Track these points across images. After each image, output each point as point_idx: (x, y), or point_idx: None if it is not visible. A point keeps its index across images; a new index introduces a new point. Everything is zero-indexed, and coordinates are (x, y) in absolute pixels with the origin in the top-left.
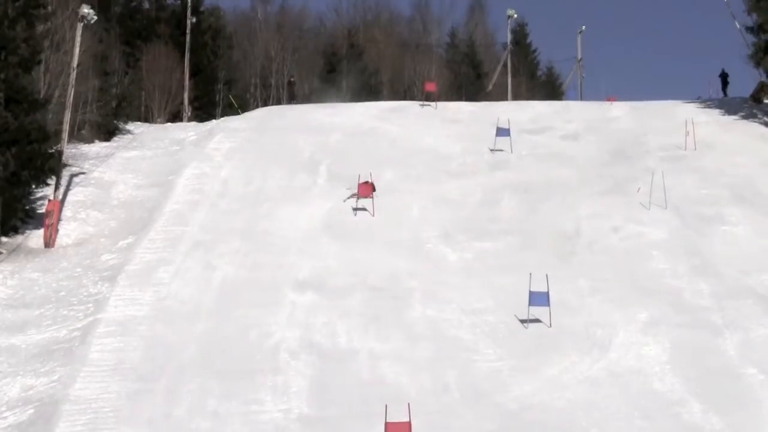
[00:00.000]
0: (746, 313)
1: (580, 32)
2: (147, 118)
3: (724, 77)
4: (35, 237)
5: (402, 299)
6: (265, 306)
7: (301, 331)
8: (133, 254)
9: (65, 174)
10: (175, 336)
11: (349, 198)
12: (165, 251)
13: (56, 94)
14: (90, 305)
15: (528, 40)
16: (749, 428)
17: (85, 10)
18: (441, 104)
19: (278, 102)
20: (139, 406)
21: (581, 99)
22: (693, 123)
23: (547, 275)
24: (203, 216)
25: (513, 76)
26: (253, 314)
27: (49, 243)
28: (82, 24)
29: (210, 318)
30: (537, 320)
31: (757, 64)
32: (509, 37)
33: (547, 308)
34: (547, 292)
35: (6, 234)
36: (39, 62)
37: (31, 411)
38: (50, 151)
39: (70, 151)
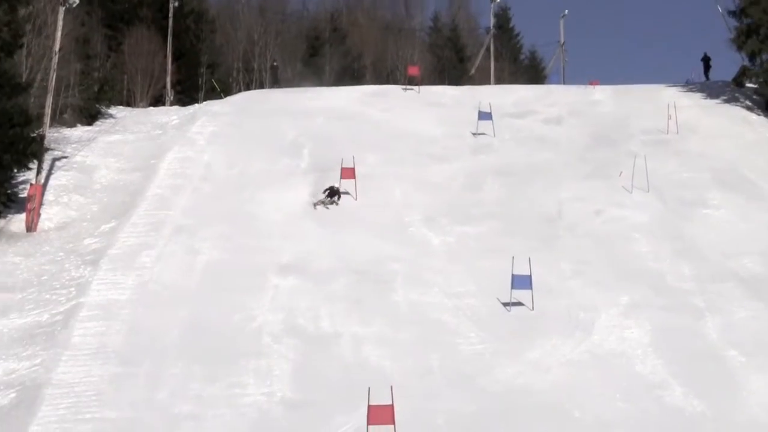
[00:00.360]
0: (728, 296)
1: (563, 16)
2: (129, 102)
3: (706, 61)
4: (17, 221)
5: (385, 283)
6: (248, 290)
7: (284, 314)
8: (115, 238)
9: (47, 158)
10: (158, 320)
11: (318, 202)
12: (147, 235)
13: (38, 78)
14: (72, 289)
15: (511, 25)
16: (730, 410)
17: None
18: (424, 88)
19: (261, 86)
20: (122, 390)
21: (564, 83)
22: (675, 107)
23: (529, 258)
24: (186, 200)
25: (496, 61)
26: (236, 298)
27: (31, 227)
28: (64, 8)
29: (193, 302)
30: (519, 303)
31: (739, 48)
32: (492, 21)
33: (530, 291)
34: (530, 275)
35: None
36: (21, 46)
37: (14, 395)
38: (32, 135)
39: (52, 135)
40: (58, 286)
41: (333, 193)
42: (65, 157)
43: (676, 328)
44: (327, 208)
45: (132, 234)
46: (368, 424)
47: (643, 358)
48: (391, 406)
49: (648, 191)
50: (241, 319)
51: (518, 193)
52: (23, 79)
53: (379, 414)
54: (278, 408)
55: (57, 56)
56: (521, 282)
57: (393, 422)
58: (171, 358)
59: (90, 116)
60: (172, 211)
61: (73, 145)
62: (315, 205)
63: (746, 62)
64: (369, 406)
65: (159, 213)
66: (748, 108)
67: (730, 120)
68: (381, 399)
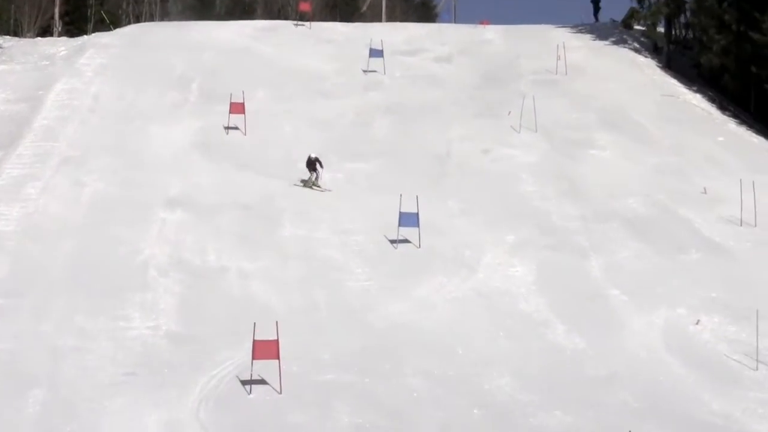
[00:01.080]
0: (612, 236)
1: None
2: (16, 32)
3: (596, 2)
4: None
5: (273, 219)
6: (134, 223)
7: (171, 248)
8: (0, 169)
9: None
10: (43, 252)
11: (308, 183)
12: (33, 167)
13: None
14: None
15: None
16: (611, 348)
17: None
18: (315, 24)
19: (151, 19)
20: (6, 322)
21: (455, 22)
22: (565, 47)
23: (417, 196)
24: (73, 132)
25: None
26: (123, 231)
27: None
28: None
29: (78, 235)
30: (406, 241)
31: None
32: None
33: (417, 229)
34: (417, 213)
35: None
36: None
37: None
38: None
39: None
40: None
41: (311, 163)
42: None
43: (560, 267)
44: (318, 186)
45: (18, 165)
46: (253, 358)
47: (527, 297)
48: (277, 342)
49: (536, 131)
50: (127, 253)
51: (408, 131)
52: None
53: (265, 349)
54: (163, 342)
55: None
56: (408, 220)
57: (278, 357)
58: (56, 290)
59: None
60: (58, 142)
61: None
62: (306, 184)
63: (635, 4)
64: (254, 341)
65: (45, 144)
66: (636, 50)
67: (618, 62)
68: (266, 334)
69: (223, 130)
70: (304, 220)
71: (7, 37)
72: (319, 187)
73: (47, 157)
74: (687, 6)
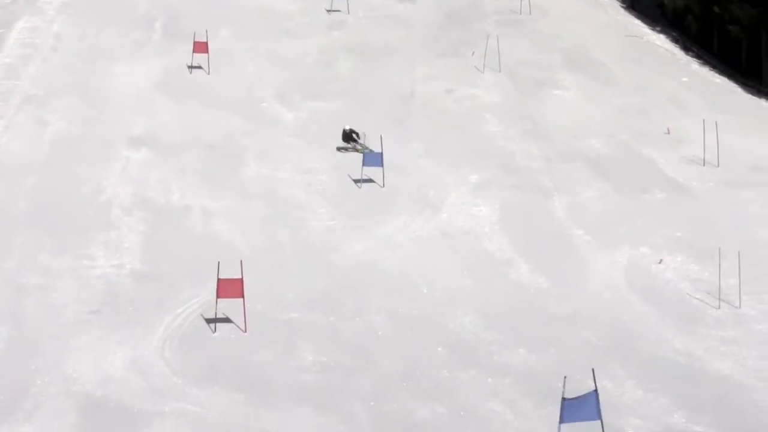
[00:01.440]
0: (575, 176)
1: None
2: None
3: None
4: None
5: (236, 158)
6: (98, 162)
7: (134, 187)
8: None
9: None
10: (6, 190)
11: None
12: None
13: None
14: None
15: None
16: (573, 287)
17: None
18: None
19: None
20: None
21: None
22: None
23: (381, 136)
24: (35, 70)
25: None
26: (86, 170)
27: None
28: None
29: (42, 173)
30: (370, 180)
31: None
32: None
33: (381, 169)
34: (381, 152)
35: None
36: None
37: None
38: None
39: None
40: None
41: (348, 137)
42: None
43: (524, 206)
44: (357, 149)
45: None
46: (217, 297)
47: (491, 236)
48: (241, 280)
49: (500, 71)
50: (90, 191)
51: (372, 71)
52: None
53: (229, 288)
54: (127, 280)
55: None
56: (372, 159)
57: (242, 296)
58: (19, 228)
59: None
60: (21, 81)
61: None
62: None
63: None
64: (218, 280)
65: (7, 83)
66: None
67: (582, 2)
68: (230, 273)
69: (187, 69)
70: (268, 160)
71: None
72: (368, 148)
73: (9, 96)
74: None
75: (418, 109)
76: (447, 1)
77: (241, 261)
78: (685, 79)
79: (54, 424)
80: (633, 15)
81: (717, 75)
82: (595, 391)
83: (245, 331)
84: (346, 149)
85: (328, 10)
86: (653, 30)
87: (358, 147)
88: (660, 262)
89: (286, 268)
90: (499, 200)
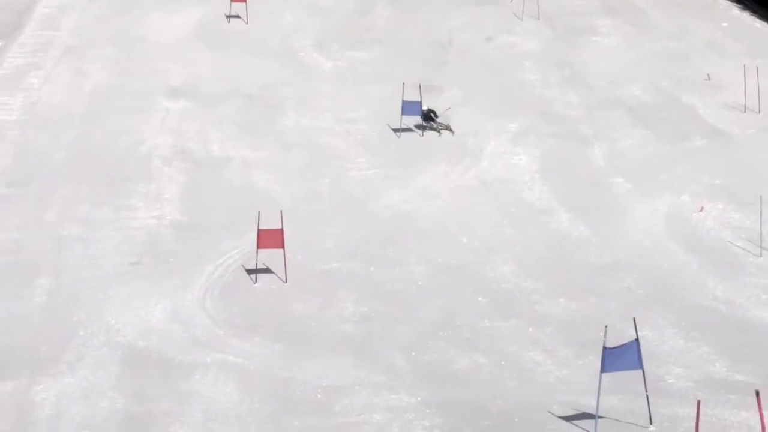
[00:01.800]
0: (615, 123)
1: None
2: None
3: None
4: None
5: (275, 107)
6: (137, 113)
7: (174, 138)
8: (2, 58)
9: None
10: (46, 142)
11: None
12: (35, 56)
13: None
14: None
15: None
16: (614, 235)
17: None
18: None
19: None
20: (10, 211)
21: None
22: None
23: (420, 85)
24: (74, 21)
25: None
26: (125, 121)
27: None
28: None
29: (81, 124)
30: (409, 129)
31: None
32: None
33: (419, 118)
34: (420, 101)
35: None
36: None
37: None
38: None
39: None
40: None
41: (427, 117)
42: None
43: (563, 155)
44: (439, 131)
45: (20, 54)
46: (258, 247)
47: (530, 185)
48: (281, 230)
49: (538, 18)
50: (130, 142)
51: (409, 19)
52: None
53: (269, 238)
54: (167, 231)
55: None
56: (411, 108)
57: (282, 246)
58: (59, 180)
59: None
60: (60, 31)
61: None
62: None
63: None
64: (259, 230)
65: (47, 33)
66: None
67: None
68: (271, 223)
69: (225, 18)
70: (307, 109)
71: None
72: (449, 128)
73: (49, 47)
74: None
75: (456, 57)
76: None
77: (281, 211)
78: (725, 24)
79: (97, 374)
80: None
81: (757, 20)
82: (636, 340)
83: (286, 282)
84: (424, 128)
85: None
86: None
87: (435, 126)
88: (701, 210)
89: (325, 218)
90: (539, 148)
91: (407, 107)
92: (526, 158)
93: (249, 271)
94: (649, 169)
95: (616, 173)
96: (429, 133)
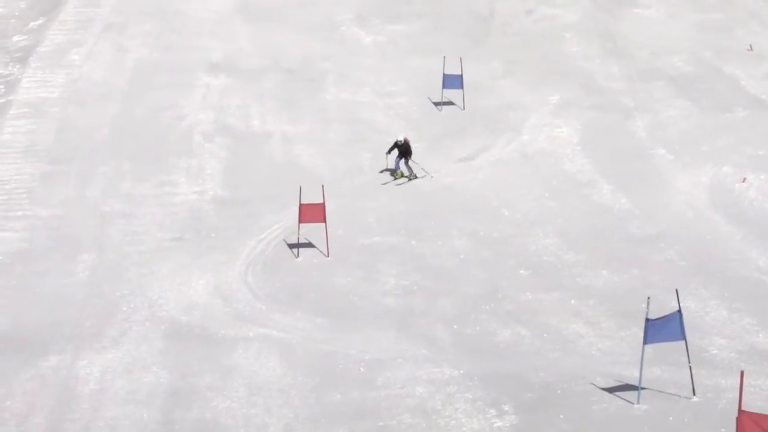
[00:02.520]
0: (657, 95)
1: None
2: None
3: None
4: None
5: (316, 82)
6: (178, 88)
7: (215, 113)
8: (44, 35)
9: None
10: (88, 118)
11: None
12: (77, 33)
13: None
14: (1, 87)
15: None
16: (656, 207)
17: None
18: None
19: None
20: (53, 188)
21: None
22: None
23: (460, 58)
24: None
25: None
26: (167, 97)
27: None
28: None
29: (123, 100)
30: (450, 103)
31: None
32: None
33: (461, 91)
34: (461, 74)
35: None
36: None
37: None
38: None
39: None
40: None
41: (405, 153)
42: None
43: (604, 126)
44: (414, 176)
45: (61, 31)
46: (299, 222)
47: (572, 157)
48: (322, 205)
49: None
50: (171, 118)
51: None
52: None
53: (311, 212)
54: (209, 206)
55: None
56: (452, 81)
57: (324, 220)
58: (101, 156)
59: None
60: (101, 8)
61: None
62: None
63: None
64: (300, 205)
65: (87, 10)
66: None
67: None
68: (312, 198)
69: None
70: (347, 83)
71: None
72: (417, 174)
73: (90, 23)
74: None
75: (497, 30)
76: None
77: (323, 185)
78: None
79: (140, 349)
80: None
81: None
82: (679, 311)
83: (327, 256)
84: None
85: None
86: None
87: (407, 173)
88: (743, 181)
89: (367, 192)
90: (580, 121)
91: (448, 80)
92: (568, 130)
93: (291, 246)
94: (692, 141)
95: (657, 145)
96: (471, 107)
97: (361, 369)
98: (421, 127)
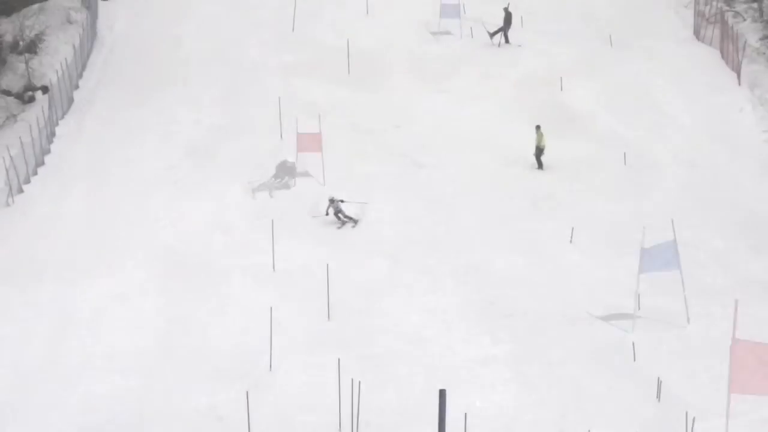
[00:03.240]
0: None
1: None
2: None
3: None
4: None
5: (312, 13)
6: (177, 10)
7: (212, 42)
8: None
9: None
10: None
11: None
12: None
13: None
14: None
15: None
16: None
17: None
18: None
19: None
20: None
21: None
22: None
23: None
24: None
25: None
26: (163, 24)
27: None
28: None
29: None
30: (448, 33)
31: None
32: None
33: (458, 21)
34: (459, 3)
35: None
36: None
37: None
38: None
39: None
40: None
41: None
42: None
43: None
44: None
45: None
46: (297, 151)
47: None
48: (319, 135)
49: None
50: (168, 46)
51: None
52: None
53: (308, 142)
54: (207, 135)
55: None
56: (450, 11)
57: (320, 150)
58: (99, 84)
59: None
60: None
61: None
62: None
63: None
64: (297, 134)
65: None
66: None
67: None
68: (309, 128)
69: None
70: (342, 12)
71: None
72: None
73: None
74: None
75: None
76: None
77: (320, 115)
78: None
79: (137, 277)
80: None
81: None
82: (674, 240)
83: (324, 185)
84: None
85: None
86: None
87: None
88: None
89: (363, 122)
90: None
91: (446, 10)
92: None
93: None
94: None
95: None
96: (468, 35)
97: (357, 297)
98: (419, 61)
